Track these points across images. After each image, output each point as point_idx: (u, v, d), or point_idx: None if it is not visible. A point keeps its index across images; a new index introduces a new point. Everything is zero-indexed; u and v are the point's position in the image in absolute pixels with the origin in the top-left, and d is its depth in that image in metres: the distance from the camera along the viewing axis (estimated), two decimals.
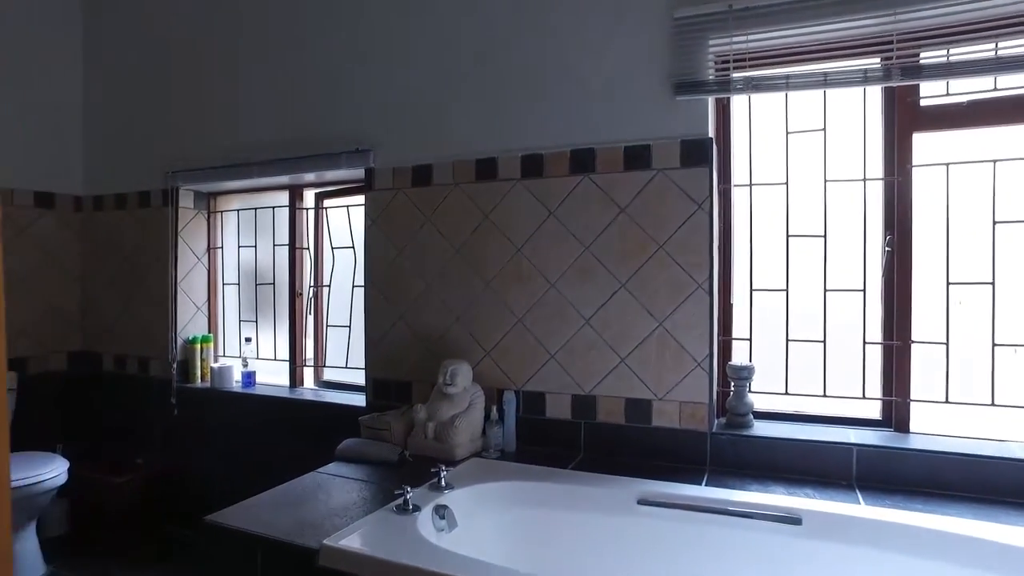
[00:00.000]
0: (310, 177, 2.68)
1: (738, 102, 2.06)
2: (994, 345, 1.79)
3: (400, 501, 1.53)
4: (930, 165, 1.86)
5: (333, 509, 1.57)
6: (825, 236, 1.96)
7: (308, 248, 2.84)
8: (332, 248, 2.77)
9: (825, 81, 1.79)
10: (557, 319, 2.11)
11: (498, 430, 2.06)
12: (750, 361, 2.00)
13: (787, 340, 2.00)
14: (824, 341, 1.96)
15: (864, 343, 1.92)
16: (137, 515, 2.78)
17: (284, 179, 2.73)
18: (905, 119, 1.86)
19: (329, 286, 2.78)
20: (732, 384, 1.98)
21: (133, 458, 2.94)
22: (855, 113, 1.93)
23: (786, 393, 2.01)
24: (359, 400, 2.49)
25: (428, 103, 2.33)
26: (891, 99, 1.88)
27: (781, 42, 1.84)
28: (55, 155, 3.15)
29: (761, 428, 1.94)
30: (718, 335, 2.03)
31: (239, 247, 3.06)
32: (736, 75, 1.88)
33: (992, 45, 1.64)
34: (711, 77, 1.91)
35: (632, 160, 2.01)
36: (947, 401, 1.83)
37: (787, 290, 2.00)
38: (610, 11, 2.03)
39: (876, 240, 1.92)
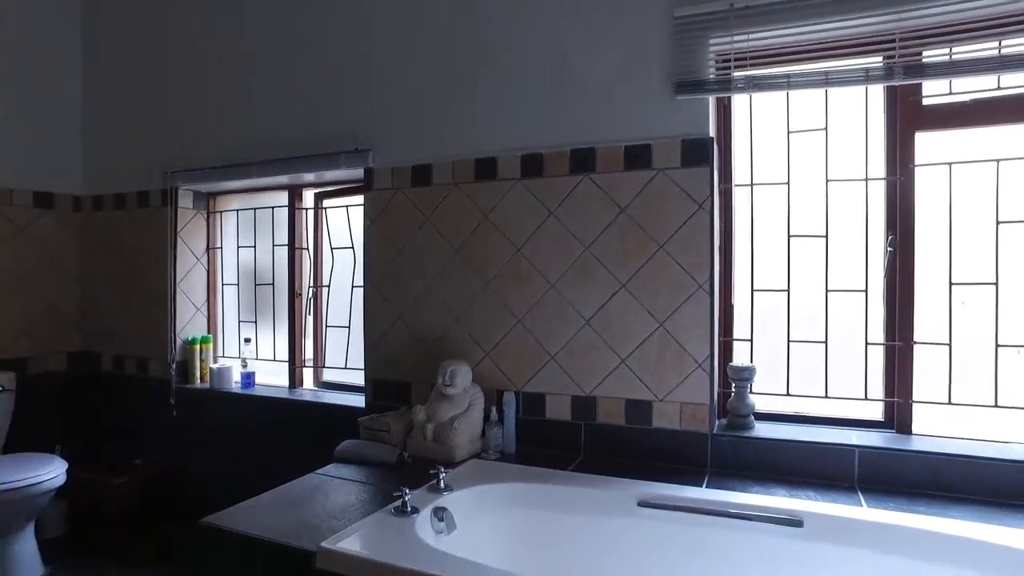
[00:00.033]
0: (309, 177, 2.68)
1: (739, 101, 2.05)
2: (997, 346, 1.78)
3: (399, 503, 1.52)
4: (933, 164, 1.84)
5: (331, 511, 1.56)
6: (827, 236, 1.95)
7: (307, 248, 2.83)
8: (331, 248, 2.76)
9: (827, 80, 1.78)
10: (557, 320, 2.10)
11: (498, 431, 2.05)
12: (751, 362, 1.99)
13: (788, 341, 1.99)
14: (826, 342, 1.95)
15: (866, 344, 1.91)
16: (136, 516, 2.77)
17: (283, 179, 2.73)
18: (907, 118, 1.85)
19: (328, 286, 2.77)
20: (733, 385, 1.96)
21: (132, 459, 2.93)
22: (857, 112, 1.92)
23: (787, 394, 2.00)
24: (358, 401, 2.48)
25: (427, 102, 2.32)
26: (893, 98, 1.87)
27: (782, 41, 1.83)
28: (54, 155, 3.14)
29: (762, 429, 1.92)
30: (719, 336, 2.01)
31: (238, 247, 3.05)
32: (737, 74, 1.87)
33: (995, 43, 1.62)
34: (712, 76, 1.90)
35: (632, 160, 1.99)
36: (950, 402, 1.82)
37: (788, 290, 1.99)
38: (610, 10, 2.02)
39: (878, 240, 1.91)
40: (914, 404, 1.86)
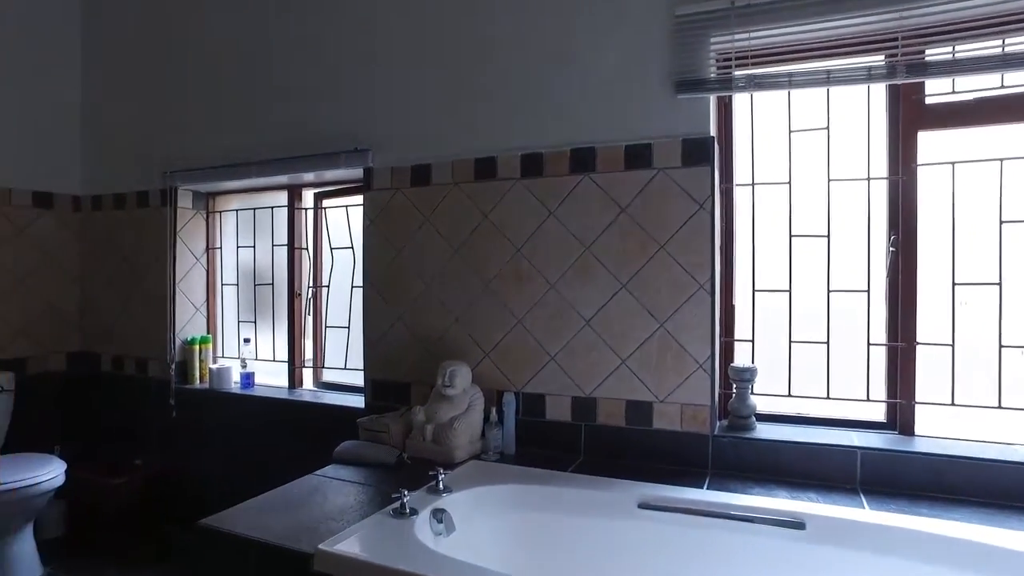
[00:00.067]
0: (309, 177, 2.67)
1: (740, 100, 2.04)
2: (1001, 346, 1.76)
3: (397, 504, 1.51)
4: (935, 164, 1.83)
5: (329, 512, 1.55)
6: (828, 236, 1.94)
7: (307, 248, 2.83)
8: (331, 248, 2.76)
9: (828, 79, 1.77)
10: (557, 320, 2.09)
11: (497, 432, 2.04)
12: (752, 363, 1.98)
13: (790, 341, 1.97)
14: (827, 342, 1.93)
15: (868, 344, 1.90)
16: (135, 516, 2.77)
17: (283, 179, 2.72)
18: (910, 117, 1.84)
19: (328, 287, 2.76)
20: (734, 386, 1.95)
21: (131, 459, 2.93)
22: (859, 111, 1.90)
23: (789, 395, 1.99)
24: (358, 402, 2.47)
25: (427, 102, 2.31)
26: (896, 97, 1.86)
27: (784, 39, 1.82)
28: (53, 155, 3.14)
29: (764, 431, 1.91)
30: (720, 336, 2.00)
31: (238, 247, 3.05)
32: (738, 73, 1.86)
33: (999, 42, 1.61)
34: (713, 75, 1.88)
35: (633, 159, 1.98)
36: (952, 403, 1.81)
37: (790, 291, 1.98)
38: (610, 9, 2.01)
39: (880, 240, 1.89)
40: (916, 405, 1.85)
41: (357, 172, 2.46)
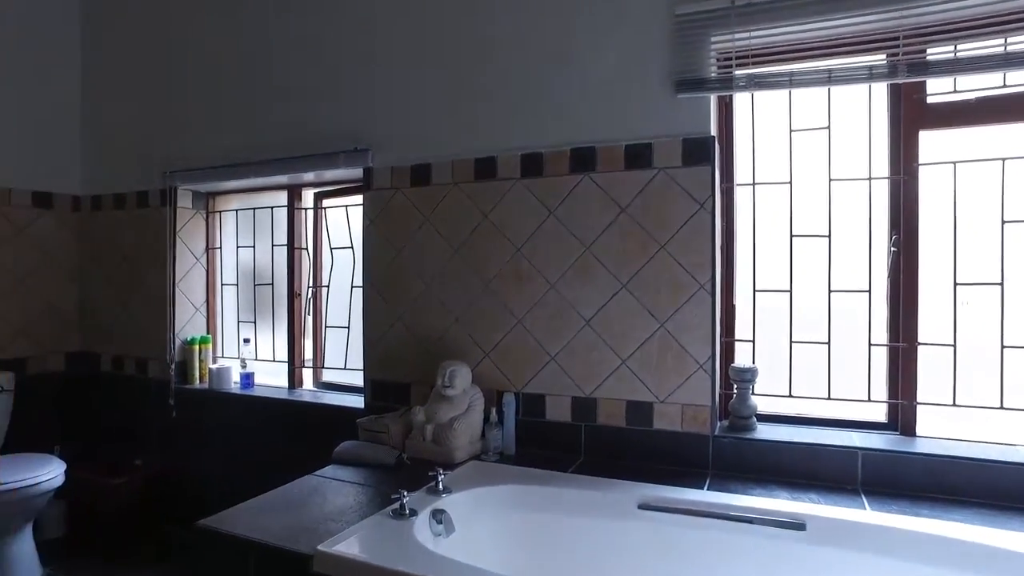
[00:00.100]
0: (309, 177, 2.67)
1: (741, 100, 2.03)
2: (1003, 347, 1.76)
3: (397, 505, 1.51)
4: (937, 163, 1.82)
5: (328, 513, 1.55)
6: (829, 236, 1.93)
7: (307, 248, 2.82)
8: (331, 248, 2.75)
9: (829, 78, 1.76)
10: (557, 320, 2.08)
11: (497, 433, 2.03)
12: (753, 363, 1.97)
13: (791, 342, 1.97)
14: (828, 343, 1.93)
15: (869, 345, 1.89)
16: (135, 517, 2.77)
17: (283, 179, 2.72)
18: (911, 116, 1.83)
19: (328, 287, 2.76)
20: (735, 386, 1.95)
21: (131, 459, 2.92)
22: (860, 111, 1.90)
23: (790, 396, 1.98)
24: (357, 402, 2.47)
25: (427, 102, 2.31)
26: (897, 96, 1.85)
27: (785, 38, 1.81)
28: (53, 155, 3.13)
29: (764, 431, 1.91)
30: (720, 336, 2.00)
31: (238, 247, 3.04)
32: (739, 72, 1.85)
33: (1001, 41, 1.60)
34: (713, 74, 1.88)
35: (633, 159, 1.98)
36: (954, 404, 1.80)
37: (791, 291, 1.97)
38: (610, 8, 2.01)
39: (881, 240, 1.89)
40: (918, 406, 1.84)
41: (357, 172, 2.45)
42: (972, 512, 1.55)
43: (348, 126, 2.45)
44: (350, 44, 2.46)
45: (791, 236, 1.97)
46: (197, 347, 2.91)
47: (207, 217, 3.07)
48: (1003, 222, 1.76)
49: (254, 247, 2.98)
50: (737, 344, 2.04)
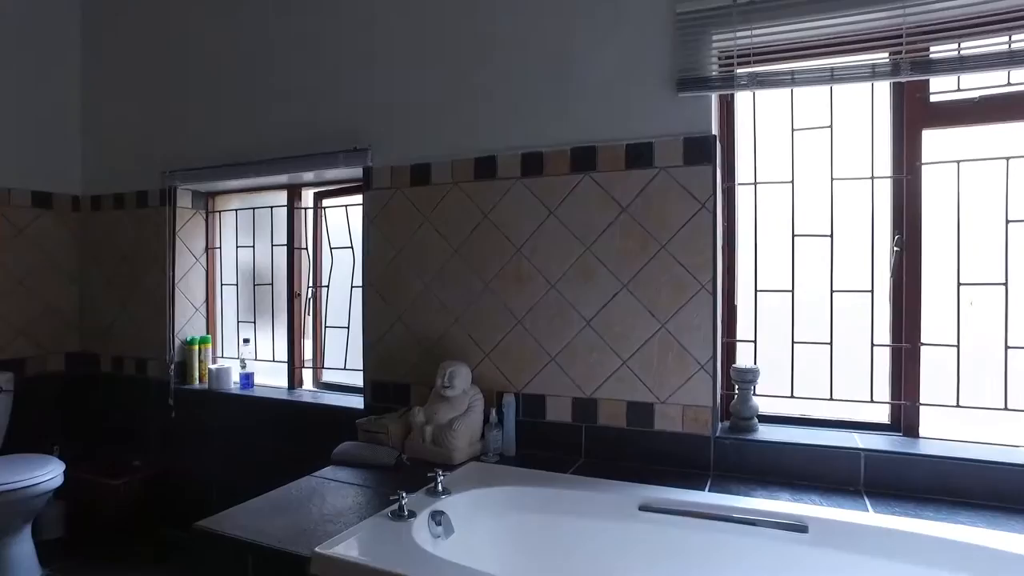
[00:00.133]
0: (308, 176, 2.66)
1: (742, 98, 2.02)
2: (1007, 347, 1.74)
3: (396, 507, 1.49)
4: (940, 163, 1.81)
5: (327, 515, 1.54)
6: (832, 236, 1.92)
7: (306, 248, 2.81)
8: (330, 248, 2.74)
9: (832, 77, 1.75)
10: (557, 320, 2.07)
11: (497, 433, 2.02)
12: (755, 363, 1.96)
13: (793, 342, 1.96)
14: (831, 343, 1.92)
15: (872, 345, 1.88)
16: (134, 517, 2.76)
17: (282, 178, 2.71)
18: (914, 115, 1.82)
19: (327, 287, 2.75)
20: (736, 387, 1.94)
21: (130, 460, 2.91)
22: (863, 109, 1.88)
23: (792, 396, 1.97)
24: (357, 402, 2.46)
25: (426, 101, 2.30)
26: (900, 95, 1.84)
27: (786, 37, 1.80)
28: (53, 155, 3.13)
29: (766, 432, 1.90)
30: (722, 337, 1.98)
31: (237, 247, 3.04)
32: (740, 71, 1.84)
33: (1005, 38, 1.59)
34: (714, 73, 1.87)
35: (634, 158, 1.97)
36: (958, 405, 1.79)
37: (793, 291, 1.96)
38: (611, 7, 2.00)
39: (884, 240, 1.87)
40: (921, 407, 1.83)
41: (357, 172, 2.45)
42: (976, 514, 1.54)
43: (348, 126, 2.45)
44: (350, 44, 2.46)
45: (793, 236, 1.96)
46: (197, 347, 2.90)
47: (207, 217, 3.06)
48: (1007, 222, 1.75)
49: (254, 247, 2.98)
50: (738, 344, 2.03)
